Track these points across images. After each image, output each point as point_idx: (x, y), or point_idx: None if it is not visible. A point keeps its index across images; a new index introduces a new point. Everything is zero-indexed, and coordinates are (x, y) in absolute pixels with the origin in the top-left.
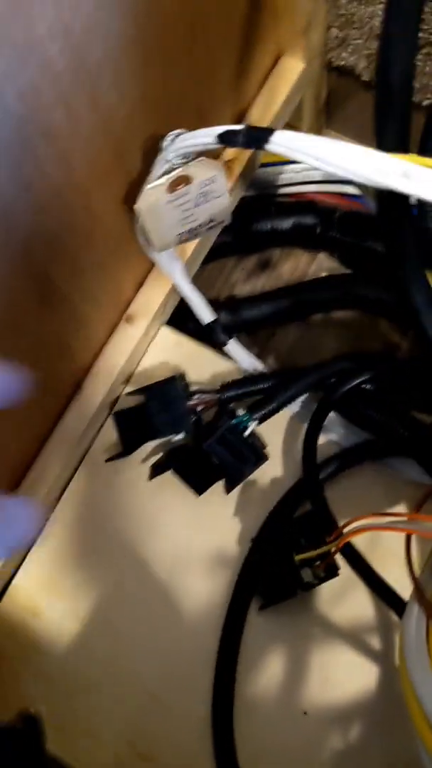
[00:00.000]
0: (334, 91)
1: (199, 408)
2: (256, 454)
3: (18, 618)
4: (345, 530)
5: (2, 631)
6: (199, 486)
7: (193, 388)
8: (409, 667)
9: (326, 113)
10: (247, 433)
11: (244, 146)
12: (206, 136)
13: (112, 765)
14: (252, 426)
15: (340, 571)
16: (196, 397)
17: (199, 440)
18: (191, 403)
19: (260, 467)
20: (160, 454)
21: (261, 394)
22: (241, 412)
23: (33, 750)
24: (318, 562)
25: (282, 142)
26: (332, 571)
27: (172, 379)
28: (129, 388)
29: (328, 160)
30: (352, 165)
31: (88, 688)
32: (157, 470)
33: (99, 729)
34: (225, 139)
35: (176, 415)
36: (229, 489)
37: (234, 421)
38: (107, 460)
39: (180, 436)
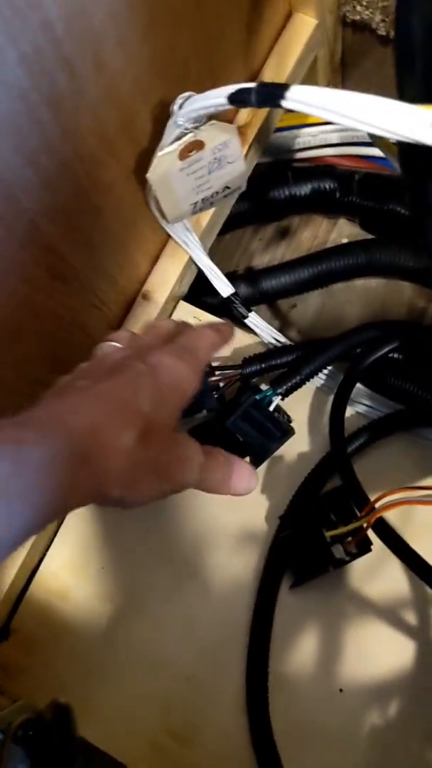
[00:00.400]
0: (350, 48)
1: (221, 384)
2: (282, 429)
3: (47, 602)
4: (377, 505)
5: (33, 617)
6: None
7: (214, 363)
8: None
9: (342, 72)
10: (272, 407)
11: (258, 105)
12: (217, 97)
13: (148, 747)
14: (276, 400)
15: (372, 546)
16: (218, 373)
17: (222, 417)
18: (213, 379)
19: (287, 443)
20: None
21: (284, 367)
22: (264, 386)
23: (65, 738)
24: (349, 539)
25: (298, 98)
26: (364, 547)
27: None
28: None
29: (350, 114)
30: (375, 118)
31: (122, 671)
32: None
33: (134, 712)
34: (237, 98)
35: (198, 392)
36: (254, 466)
37: (258, 396)
38: None
39: (202, 414)
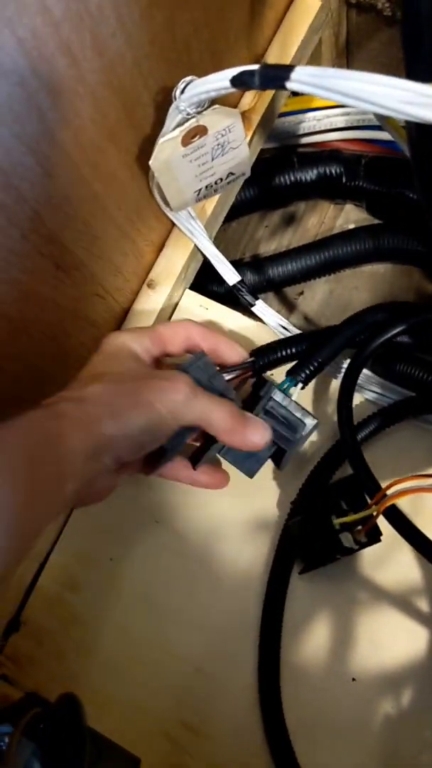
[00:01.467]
0: (355, 30)
1: (237, 382)
2: (310, 417)
3: (57, 593)
4: (388, 493)
5: (43, 608)
6: (250, 468)
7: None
8: None
9: (347, 54)
10: (294, 396)
11: (261, 87)
12: (219, 80)
13: (160, 738)
14: (297, 390)
15: (384, 531)
16: (231, 371)
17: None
18: (227, 378)
19: None
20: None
21: (296, 357)
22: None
23: (74, 731)
24: (359, 527)
25: (304, 79)
26: (374, 537)
27: (202, 354)
28: None
29: (356, 94)
30: (382, 98)
31: (132, 662)
32: (198, 455)
33: (146, 703)
34: (240, 81)
35: (217, 392)
36: (282, 464)
37: (278, 389)
38: None
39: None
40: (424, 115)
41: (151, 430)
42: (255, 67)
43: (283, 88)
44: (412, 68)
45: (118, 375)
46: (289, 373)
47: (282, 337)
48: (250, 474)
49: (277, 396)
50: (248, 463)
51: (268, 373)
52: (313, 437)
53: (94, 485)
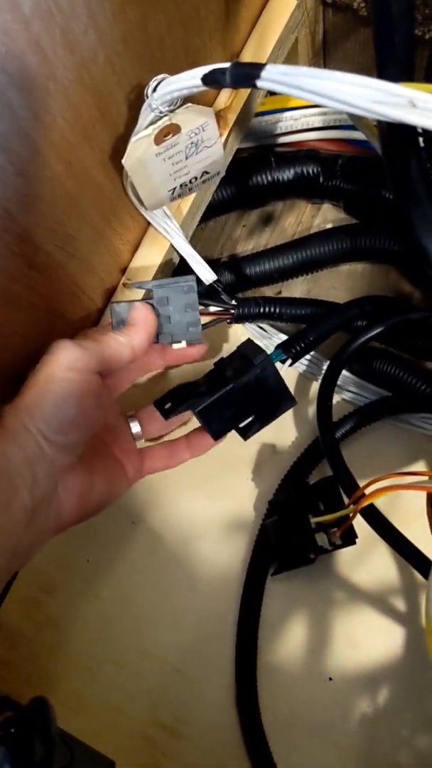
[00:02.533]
0: (332, 29)
1: (208, 320)
2: (288, 396)
3: (33, 596)
4: (365, 492)
5: (18, 611)
6: (219, 430)
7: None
8: None
9: (324, 53)
10: (283, 369)
11: (233, 85)
12: (191, 78)
13: (137, 739)
14: (287, 363)
15: (361, 531)
16: (212, 309)
17: (224, 378)
18: (204, 311)
19: (276, 429)
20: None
21: (279, 318)
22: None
23: (43, 733)
24: (335, 529)
25: (275, 78)
26: (349, 539)
27: (190, 279)
28: None
29: (328, 93)
30: (353, 97)
31: (109, 664)
32: (171, 407)
33: (124, 704)
34: (211, 79)
35: (187, 321)
36: (249, 435)
37: (270, 356)
38: None
39: (181, 345)
40: (394, 115)
41: (71, 400)
42: (226, 65)
43: (255, 86)
44: (383, 68)
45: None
46: (279, 346)
47: (257, 336)
48: (216, 436)
49: (270, 368)
50: (218, 425)
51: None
52: (292, 436)
53: (62, 493)
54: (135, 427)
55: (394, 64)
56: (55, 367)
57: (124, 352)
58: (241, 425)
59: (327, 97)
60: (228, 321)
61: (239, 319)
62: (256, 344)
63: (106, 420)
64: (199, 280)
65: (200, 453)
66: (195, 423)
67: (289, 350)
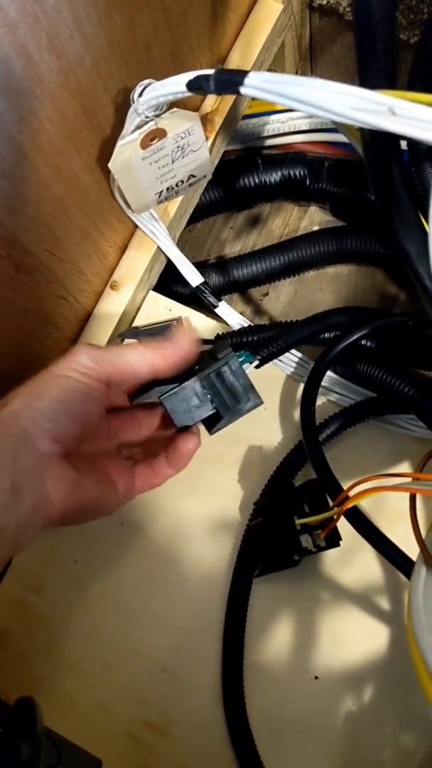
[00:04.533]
0: (318, 33)
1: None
2: (254, 395)
3: (20, 596)
4: (350, 494)
5: (6, 611)
6: (184, 419)
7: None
8: (417, 633)
9: (311, 57)
10: (248, 370)
11: (217, 92)
12: (176, 84)
13: (125, 738)
14: (252, 366)
15: (347, 532)
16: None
17: (194, 371)
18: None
19: (262, 430)
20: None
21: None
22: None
23: (29, 733)
24: (319, 531)
25: (258, 85)
26: (333, 541)
27: (169, 325)
28: None
29: (310, 100)
30: (333, 104)
31: (98, 663)
32: (140, 392)
33: (111, 703)
34: (195, 85)
35: None
36: (214, 430)
37: (237, 355)
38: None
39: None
40: (374, 122)
41: (69, 396)
42: (210, 71)
43: (238, 93)
44: (364, 75)
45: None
46: (250, 348)
47: None
48: (179, 424)
49: (234, 363)
50: (182, 415)
51: None
52: (277, 437)
53: (49, 481)
54: (126, 450)
55: (375, 72)
56: (67, 364)
57: (141, 368)
58: (205, 417)
59: (308, 105)
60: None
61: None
62: (225, 340)
63: (97, 432)
64: (185, 283)
65: (181, 466)
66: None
67: (257, 352)
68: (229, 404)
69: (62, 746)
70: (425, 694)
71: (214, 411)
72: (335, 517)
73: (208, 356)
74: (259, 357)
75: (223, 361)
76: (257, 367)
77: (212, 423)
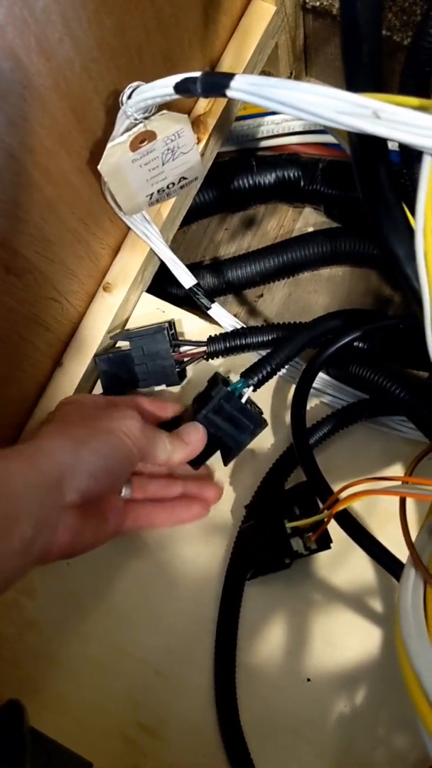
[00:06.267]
0: (312, 35)
1: (185, 359)
2: (255, 420)
3: (12, 599)
4: (339, 497)
5: None
6: (197, 459)
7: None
8: (405, 636)
9: (305, 58)
10: (243, 400)
11: (204, 94)
12: (163, 86)
13: (118, 740)
14: (248, 392)
15: (339, 534)
16: (182, 349)
17: (192, 411)
18: (176, 354)
19: None
20: None
21: (249, 348)
22: (234, 378)
23: (15, 735)
24: (310, 534)
25: (244, 87)
26: (324, 544)
27: (160, 328)
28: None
29: (296, 104)
30: (318, 107)
31: (90, 665)
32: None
33: (104, 705)
34: (182, 88)
35: (161, 366)
36: (227, 461)
37: (229, 389)
38: None
39: (162, 387)
40: (359, 125)
41: (115, 456)
42: (197, 74)
43: (224, 96)
44: (351, 78)
45: (66, 413)
46: (243, 375)
47: None
48: (194, 464)
49: (228, 396)
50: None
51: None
52: (269, 440)
53: (59, 529)
54: (125, 490)
55: (361, 75)
56: (117, 424)
57: (161, 457)
58: (218, 453)
59: (293, 108)
60: (204, 358)
61: (211, 355)
62: (218, 377)
63: None
64: (179, 284)
65: (202, 514)
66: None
67: (251, 378)
68: (234, 435)
69: (52, 749)
70: (411, 696)
71: (225, 446)
72: (325, 519)
73: (205, 392)
74: (252, 383)
75: (216, 399)
76: (254, 391)
77: (224, 455)
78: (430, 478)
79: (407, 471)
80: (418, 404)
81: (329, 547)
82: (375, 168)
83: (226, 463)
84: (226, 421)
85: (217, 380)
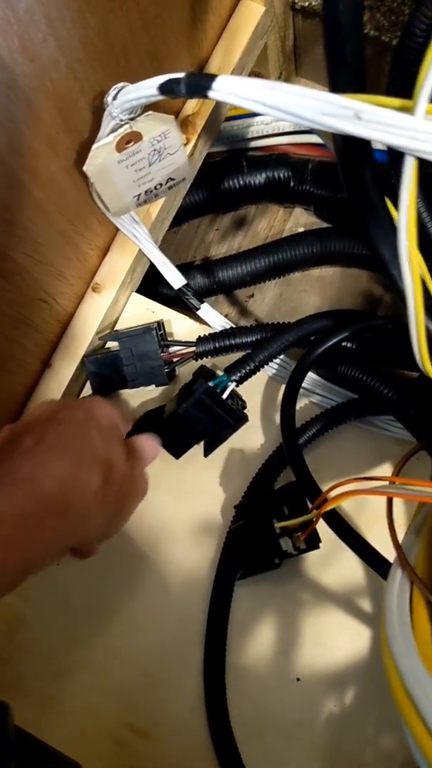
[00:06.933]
0: (301, 35)
1: (174, 360)
2: (235, 416)
3: (3, 599)
4: (328, 496)
5: None
6: (177, 449)
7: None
8: (389, 635)
9: (295, 58)
10: (225, 394)
11: (188, 95)
12: (148, 87)
13: (109, 741)
14: (230, 387)
15: (328, 533)
16: (171, 350)
17: (176, 402)
18: (165, 355)
19: (244, 432)
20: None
21: (237, 348)
22: (219, 373)
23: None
24: (299, 534)
25: (226, 89)
26: (313, 544)
27: (149, 329)
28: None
29: (275, 104)
30: (300, 108)
31: (80, 666)
32: (133, 431)
33: (95, 707)
34: (166, 89)
35: (150, 367)
36: (207, 452)
37: (211, 384)
38: None
39: (151, 388)
40: (341, 126)
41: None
42: (180, 75)
43: (207, 97)
44: (334, 79)
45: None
46: (226, 370)
47: None
48: (175, 454)
49: (210, 391)
50: (171, 445)
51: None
52: (259, 440)
53: None
54: None
55: (344, 75)
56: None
57: None
58: (198, 444)
59: (276, 109)
60: (194, 359)
61: (200, 356)
62: (202, 370)
63: None
64: (169, 285)
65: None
66: None
67: (234, 373)
68: (213, 429)
69: (39, 750)
70: (394, 696)
71: (204, 438)
72: (314, 519)
73: (189, 384)
74: (234, 379)
75: (197, 393)
76: (237, 386)
77: (205, 447)
78: (417, 479)
79: (395, 470)
80: (406, 404)
81: (318, 547)
82: (360, 168)
83: (206, 455)
84: (206, 415)
85: (201, 374)
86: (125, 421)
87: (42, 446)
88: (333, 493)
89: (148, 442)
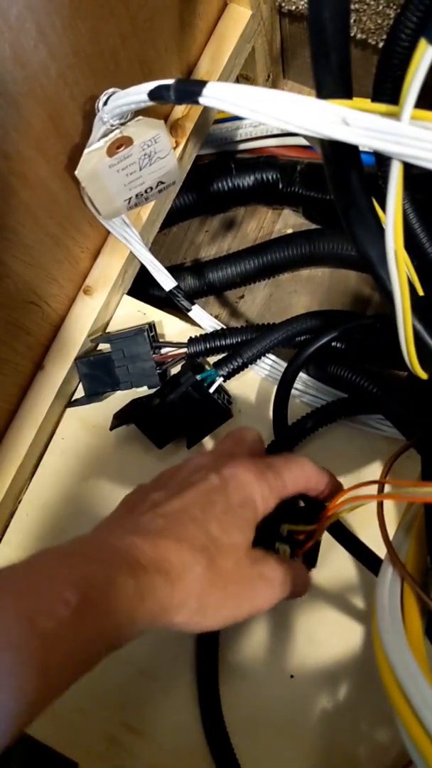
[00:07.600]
0: (289, 38)
1: (166, 361)
2: (220, 411)
3: None
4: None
5: None
6: (161, 439)
7: (160, 341)
8: (381, 632)
9: (283, 61)
10: (212, 389)
11: (177, 101)
12: (138, 93)
13: (102, 739)
14: (218, 382)
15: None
16: (163, 350)
17: (164, 393)
18: (157, 356)
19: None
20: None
21: (229, 349)
22: (207, 367)
23: None
24: (298, 547)
25: (215, 95)
26: (311, 562)
27: (140, 330)
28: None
29: (264, 110)
30: (287, 114)
31: None
32: (119, 421)
33: (88, 704)
34: (156, 95)
35: (142, 368)
36: (190, 444)
37: (199, 377)
38: (68, 405)
39: (143, 389)
40: (328, 132)
41: (236, 620)
42: (170, 81)
43: (197, 103)
44: (320, 84)
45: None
46: (214, 365)
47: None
48: (158, 444)
49: (197, 384)
50: (155, 434)
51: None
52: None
53: None
54: None
55: (331, 81)
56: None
57: None
58: (182, 435)
59: (264, 115)
60: (185, 360)
61: (192, 357)
62: (191, 363)
63: None
64: (160, 287)
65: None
66: None
67: (222, 369)
68: (199, 421)
69: (36, 749)
70: (386, 691)
71: (189, 429)
72: (316, 534)
73: (177, 376)
74: (222, 374)
75: (184, 386)
76: (224, 381)
77: (188, 438)
78: (406, 476)
79: (384, 469)
80: (394, 403)
81: (314, 566)
82: (347, 172)
83: (189, 447)
84: (192, 407)
85: (189, 365)
86: (270, 499)
87: (159, 512)
88: (340, 500)
89: (302, 572)
